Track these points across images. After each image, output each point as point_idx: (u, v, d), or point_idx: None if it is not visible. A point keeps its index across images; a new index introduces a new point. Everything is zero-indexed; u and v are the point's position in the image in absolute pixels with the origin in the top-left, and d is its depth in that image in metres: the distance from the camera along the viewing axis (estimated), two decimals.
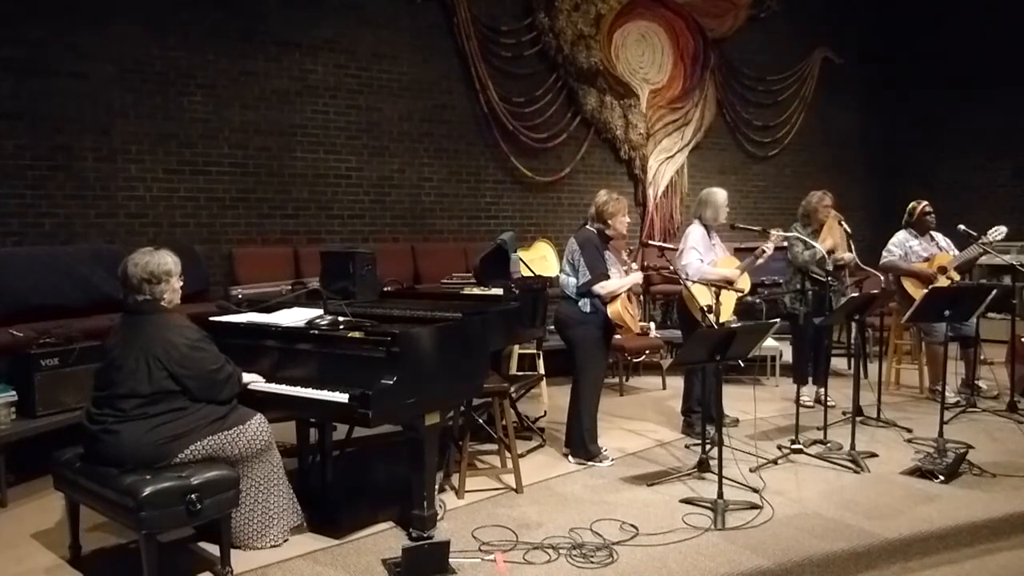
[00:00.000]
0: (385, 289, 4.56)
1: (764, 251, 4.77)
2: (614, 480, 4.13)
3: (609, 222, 4.38)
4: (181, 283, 3.16)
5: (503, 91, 7.61)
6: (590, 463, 4.37)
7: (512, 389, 4.27)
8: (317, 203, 6.82)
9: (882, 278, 5.95)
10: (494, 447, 4.44)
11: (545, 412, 5.53)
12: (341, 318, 3.38)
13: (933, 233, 5.93)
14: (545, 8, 7.80)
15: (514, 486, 3.95)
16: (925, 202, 5.94)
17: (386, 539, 3.34)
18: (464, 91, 7.50)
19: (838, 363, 6.64)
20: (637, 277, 4.48)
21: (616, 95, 8.32)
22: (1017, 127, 9.06)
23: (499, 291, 4.26)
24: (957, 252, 5.84)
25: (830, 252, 5.22)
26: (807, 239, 5.17)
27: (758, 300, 7.17)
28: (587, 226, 4.47)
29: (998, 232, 5.51)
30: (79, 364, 4.18)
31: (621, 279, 4.37)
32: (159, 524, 2.78)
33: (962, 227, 5.49)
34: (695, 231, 4.85)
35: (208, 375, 3.03)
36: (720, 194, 4.91)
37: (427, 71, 7.30)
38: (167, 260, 3.08)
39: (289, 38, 6.59)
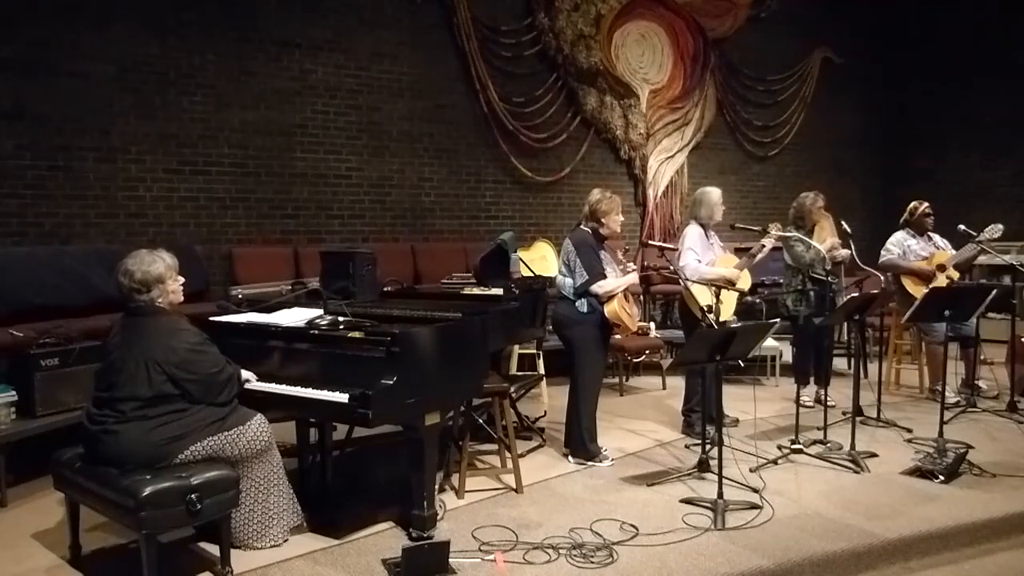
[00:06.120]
0: (385, 289, 4.56)
1: (763, 246, 4.78)
2: (614, 480, 4.13)
3: (603, 220, 4.39)
4: (181, 282, 3.14)
5: (503, 91, 7.61)
6: (590, 463, 4.37)
7: (512, 389, 4.27)
8: (317, 203, 6.83)
9: (882, 277, 5.96)
10: (494, 447, 4.44)
11: (545, 412, 5.53)
12: (341, 318, 3.39)
13: (931, 234, 5.94)
14: (545, 8, 7.80)
15: (514, 486, 3.95)
16: (926, 203, 5.94)
17: (386, 539, 3.34)
18: (464, 91, 7.50)
19: (838, 363, 6.64)
20: (633, 277, 4.49)
21: (616, 95, 8.32)
22: (1017, 127, 9.06)
23: (499, 291, 4.27)
24: (955, 252, 5.85)
25: (829, 251, 5.24)
26: (808, 240, 5.17)
27: (758, 300, 7.17)
28: (581, 226, 4.48)
29: (995, 230, 5.52)
30: (79, 364, 4.18)
31: (618, 279, 4.37)
32: (159, 524, 2.78)
33: (962, 227, 5.50)
34: (692, 231, 4.86)
35: (208, 378, 3.02)
36: (714, 193, 4.92)
37: (427, 71, 7.30)
38: (157, 265, 3.01)
39: (289, 38, 6.59)
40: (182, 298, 3.17)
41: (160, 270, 3.02)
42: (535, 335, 5.10)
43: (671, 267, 4.65)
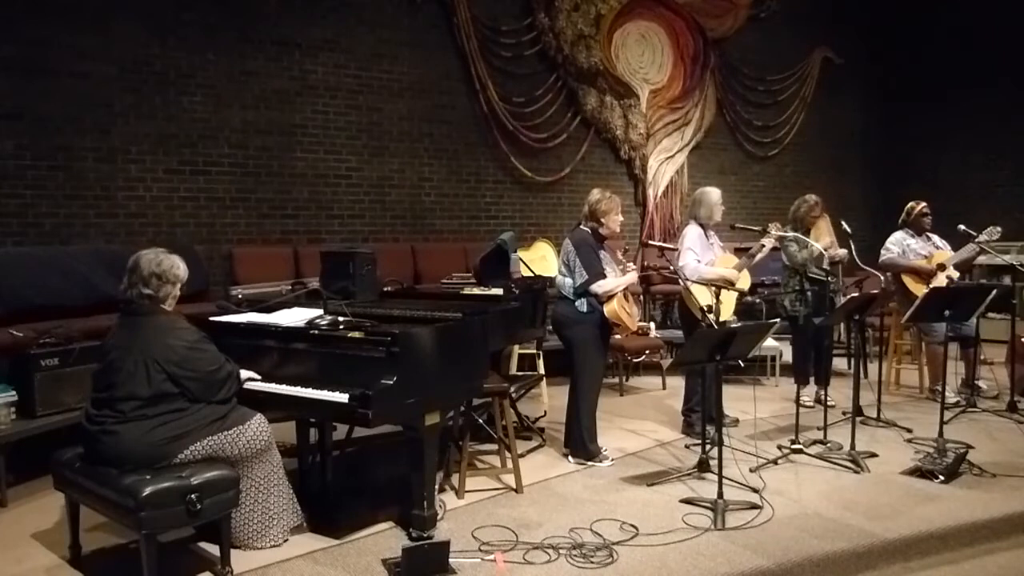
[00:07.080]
0: (385, 289, 4.56)
1: (763, 246, 4.78)
2: (614, 480, 4.13)
3: (602, 220, 4.39)
4: (179, 294, 3.17)
5: (503, 91, 7.61)
6: (590, 463, 4.37)
7: (512, 389, 4.27)
8: (317, 203, 6.82)
9: (881, 277, 5.96)
10: (494, 447, 4.43)
11: (545, 412, 5.53)
12: (341, 318, 3.39)
13: (929, 234, 5.94)
14: (545, 8, 7.80)
15: (514, 486, 3.95)
16: (923, 203, 5.94)
17: (386, 539, 3.34)
18: (464, 91, 7.50)
19: (838, 363, 6.64)
20: (632, 276, 4.49)
21: (616, 95, 8.32)
22: (1017, 127, 9.06)
23: (499, 291, 4.27)
24: (953, 252, 5.85)
25: (826, 249, 5.25)
26: (805, 239, 5.17)
27: (758, 300, 7.17)
28: (581, 226, 4.49)
29: (993, 232, 5.52)
30: (79, 364, 4.18)
31: (617, 278, 4.38)
32: (159, 524, 2.78)
33: (962, 227, 5.51)
34: (691, 231, 4.86)
35: (207, 375, 3.03)
36: (713, 193, 4.93)
37: (427, 71, 7.30)
38: (180, 266, 3.12)
39: (289, 38, 6.59)
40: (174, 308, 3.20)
41: (180, 272, 3.12)
42: (535, 335, 5.10)
43: (671, 267, 4.65)
